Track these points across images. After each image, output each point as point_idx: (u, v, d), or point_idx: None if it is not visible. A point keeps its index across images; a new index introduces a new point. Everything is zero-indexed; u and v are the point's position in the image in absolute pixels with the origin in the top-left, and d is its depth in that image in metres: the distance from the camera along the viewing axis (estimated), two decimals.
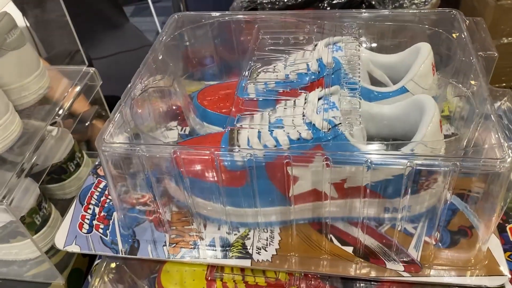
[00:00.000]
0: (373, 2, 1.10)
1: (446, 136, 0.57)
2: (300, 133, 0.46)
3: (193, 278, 0.52)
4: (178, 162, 0.46)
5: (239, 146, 0.49)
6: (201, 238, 0.52)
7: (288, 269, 0.49)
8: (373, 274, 0.48)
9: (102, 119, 0.83)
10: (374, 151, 0.44)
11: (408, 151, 0.45)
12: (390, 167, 0.44)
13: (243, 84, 0.56)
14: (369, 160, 0.42)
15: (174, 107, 0.64)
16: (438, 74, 0.54)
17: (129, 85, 0.53)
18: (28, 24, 0.89)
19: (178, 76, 0.64)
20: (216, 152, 0.46)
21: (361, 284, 0.49)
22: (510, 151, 0.40)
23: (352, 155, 0.44)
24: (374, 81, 0.57)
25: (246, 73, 0.56)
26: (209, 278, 0.51)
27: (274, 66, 0.56)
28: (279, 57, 0.57)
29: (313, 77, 0.53)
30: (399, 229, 0.48)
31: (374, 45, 0.60)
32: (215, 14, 0.64)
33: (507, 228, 0.50)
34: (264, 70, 0.56)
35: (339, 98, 0.48)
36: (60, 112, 0.64)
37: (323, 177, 0.45)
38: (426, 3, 1.12)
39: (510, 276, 0.46)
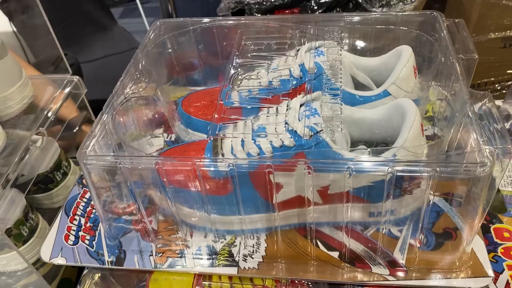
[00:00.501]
0: (360, 0, 1.10)
1: (429, 137, 0.58)
2: (282, 141, 0.46)
3: (181, 286, 0.52)
4: (161, 173, 0.46)
5: (223, 154, 0.49)
6: (188, 247, 0.52)
7: (275, 276, 0.49)
8: (359, 278, 0.48)
9: (92, 124, 0.82)
10: (355, 158, 0.44)
11: (390, 156, 0.45)
12: (372, 173, 0.44)
13: (226, 92, 0.56)
14: (350, 167, 0.43)
15: (158, 115, 0.64)
16: (420, 76, 0.55)
17: (111, 95, 0.52)
18: (15, 30, 0.88)
19: (161, 83, 0.64)
20: (198, 162, 0.46)
21: None
22: (490, 155, 0.40)
23: (334, 162, 0.44)
24: (358, 84, 0.57)
25: (229, 80, 0.56)
26: (196, 287, 0.51)
27: (257, 73, 0.56)
28: (261, 63, 0.57)
29: (295, 82, 0.53)
30: (384, 232, 0.48)
31: (357, 48, 0.60)
32: (197, 20, 0.63)
33: (491, 229, 0.51)
34: (247, 77, 0.56)
35: (320, 104, 0.48)
36: (45, 121, 0.64)
37: (306, 184, 0.45)
38: (413, 0, 1.12)
39: (494, 277, 0.46)
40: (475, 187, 0.42)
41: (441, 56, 0.54)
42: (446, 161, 0.42)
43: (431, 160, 0.43)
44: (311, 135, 0.45)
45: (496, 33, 1.25)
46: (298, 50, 0.56)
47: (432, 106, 0.61)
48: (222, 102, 0.54)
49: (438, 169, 0.40)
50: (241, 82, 0.56)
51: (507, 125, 0.60)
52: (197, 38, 0.65)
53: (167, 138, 0.65)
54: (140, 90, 0.57)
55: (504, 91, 1.29)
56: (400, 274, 0.47)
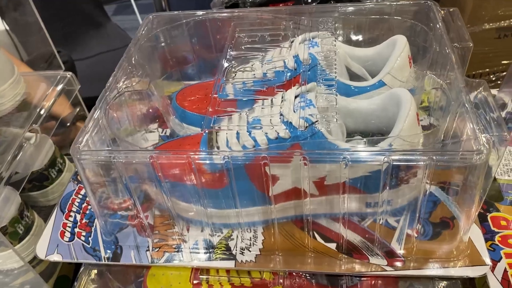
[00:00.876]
0: None
1: (425, 127, 0.58)
2: (278, 133, 0.46)
3: (179, 281, 0.52)
4: (156, 167, 0.46)
5: (218, 147, 0.49)
6: (184, 241, 0.51)
7: (272, 268, 0.49)
8: (357, 269, 0.48)
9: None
10: (351, 148, 0.44)
11: (386, 146, 0.45)
12: (368, 163, 0.44)
13: (221, 84, 0.56)
14: (346, 157, 0.42)
15: (153, 110, 0.63)
16: (415, 66, 0.54)
17: (104, 90, 0.52)
18: (7, 28, 0.88)
19: (155, 78, 0.63)
20: (193, 155, 0.45)
21: (347, 280, 0.49)
22: (486, 143, 0.40)
23: (329, 153, 0.44)
24: (352, 75, 0.56)
25: (223, 72, 0.56)
26: (194, 281, 0.51)
27: (252, 65, 0.56)
28: (256, 55, 0.56)
29: (289, 74, 0.53)
30: (381, 223, 0.48)
31: (351, 38, 0.60)
32: (190, 13, 0.63)
33: (488, 217, 0.51)
34: (242, 69, 0.56)
35: (315, 95, 0.48)
36: (38, 118, 0.63)
37: (302, 175, 0.45)
38: None
39: (491, 265, 0.46)
40: (471, 175, 0.42)
41: (436, 45, 0.54)
42: (442, 149, 0.42)
43: (427, 149, 0.43)
44: (306, 126, 0.45)
45: (491, 24, 1.25)
46: (292, 42, 0.55)
47: (427, 96, 0.61)
48: (216, 95, 0.54)
49: (434, 157, 0.40)
50: (235, 75, 0.55)
51: (503, 114, 0.60)
52: (190, 31, 0.64)
53: (162, 133, 0.64)
54: (134, 84, 0.56)
55: (499, 82, 1.29)
56: (398, 264, 0.47)
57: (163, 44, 0.64)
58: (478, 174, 0.41)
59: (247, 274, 0.50)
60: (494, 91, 0.64)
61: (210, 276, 0.51)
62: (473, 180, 0.42)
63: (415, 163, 0.42)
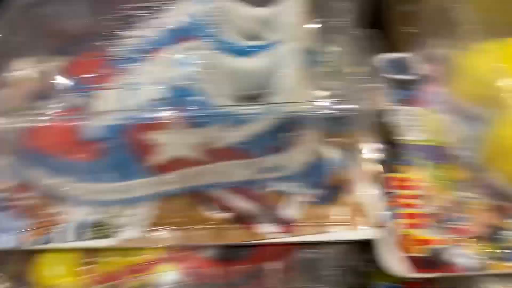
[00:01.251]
0: None
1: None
2: (157, 94, 0.42)
3: (64, 265, 0.47)
4: (20, 137, 0.41)
5: (96, 114, 0.44)
6: (64, 222, 0.46)
7: (160, 244, 0.45)
8: (248, 238, 0.44)
9: None
10: (233, 108, 0.41)
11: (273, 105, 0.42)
12: (252, 122, 0.41)
13: (106, 48, 0.51)
14: (230, 118, 0.39)
15: (41, 87, 0.57)
16: (310, 23, 0.51)
17: None
18: None
19: (41, 53, 0.58)
20: (65, 123, 0.41)
21: (239, 252, 0.46)
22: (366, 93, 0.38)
23: (213, 114, 0.41)
24: (250, 37, 0.53)
25: (109, 35, 0.51)
26: (79, 264, 0.46)
27: (137, 25, 0.51)
28: (142, 13, 0.52)
29: (177, 33, 0.48)
30: (273, 189, 0.45)
31: None
32: None
33: (386, 178, 0.49)
34: (127, 30, 0.51)
35: (199, 54, 0.44)
36: None
37: (185, 140, 0.42)
38: None
39: (388, 226, 0.44)
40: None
41: None
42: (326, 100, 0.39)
43: (312, 100, 0.40)
44: (187, 86, 0.41)
45: None
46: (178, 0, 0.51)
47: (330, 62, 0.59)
48: (99, 61, 0.49)
49: (320, 110, 0.38)
50: (121, 37, 0.51)
51: (408, 76, 0.59)
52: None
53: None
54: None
55: None
56: (291, 230, 0.44)
57: (45, 14, 0.58)
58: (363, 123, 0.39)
59: (131, 253, 0.46)
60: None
61: (94, 258, 0.46)
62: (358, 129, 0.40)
63: (302, 116, 0.39)
